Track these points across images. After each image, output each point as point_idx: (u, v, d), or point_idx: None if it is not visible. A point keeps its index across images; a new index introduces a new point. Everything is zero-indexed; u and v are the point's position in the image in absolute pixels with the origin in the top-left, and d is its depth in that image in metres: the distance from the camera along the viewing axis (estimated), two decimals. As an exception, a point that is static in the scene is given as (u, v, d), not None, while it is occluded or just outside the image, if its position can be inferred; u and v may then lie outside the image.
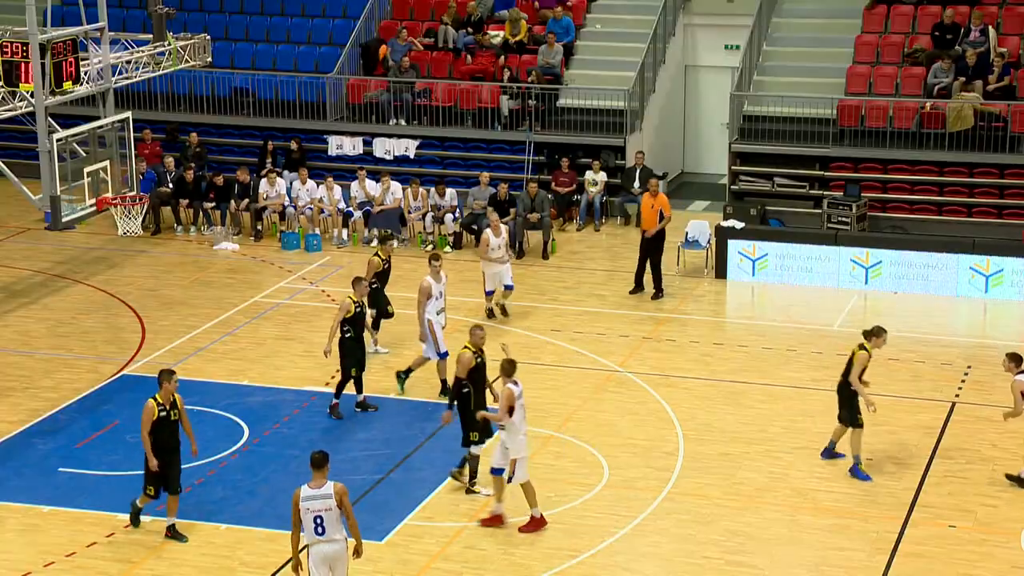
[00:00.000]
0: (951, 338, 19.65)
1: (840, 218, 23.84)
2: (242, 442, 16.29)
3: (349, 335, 16.82)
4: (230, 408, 17.23)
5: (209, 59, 25.77)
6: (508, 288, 20.20)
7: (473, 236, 24.17)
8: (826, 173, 24.89)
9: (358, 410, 17.10)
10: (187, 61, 25.10)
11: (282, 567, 13.55)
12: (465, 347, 15.02)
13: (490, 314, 20.24)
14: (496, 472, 14.19)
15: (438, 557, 13.75)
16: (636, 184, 25.32)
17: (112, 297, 21.74)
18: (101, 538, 14.12)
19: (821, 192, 24.73)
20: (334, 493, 11.74)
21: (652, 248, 21.29)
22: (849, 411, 15.32)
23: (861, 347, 15.19)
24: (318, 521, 11.73)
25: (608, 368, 18.63)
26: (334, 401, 17.04)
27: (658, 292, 21.35)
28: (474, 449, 14.98)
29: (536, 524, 14.17)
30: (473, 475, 15.04)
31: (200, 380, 18.01)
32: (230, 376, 18.29)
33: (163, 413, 13.83)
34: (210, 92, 27.72)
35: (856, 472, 15.24)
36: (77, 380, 18.04)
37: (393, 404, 17.36)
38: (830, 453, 15.71)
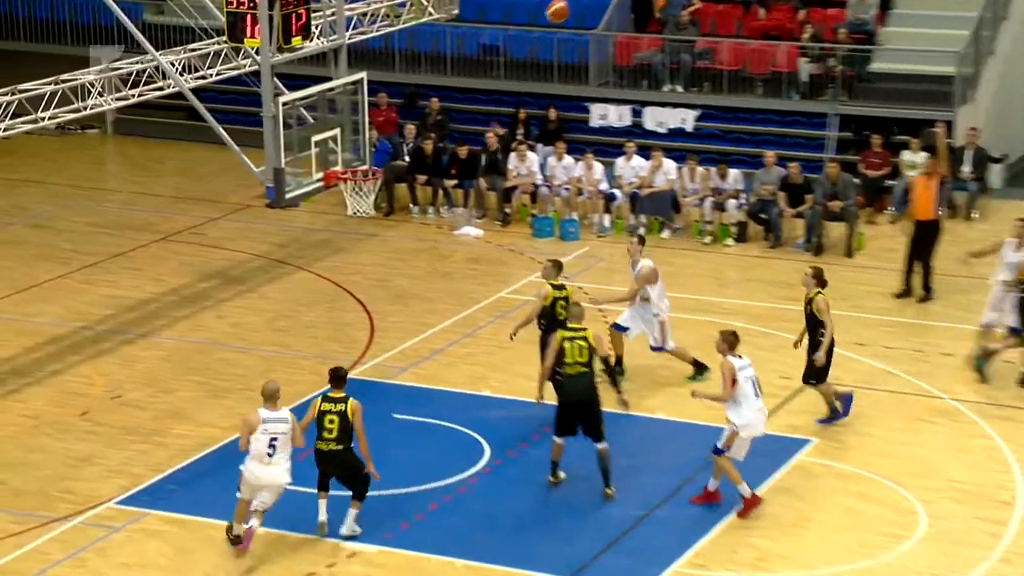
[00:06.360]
0: None
1: None
2: (482, 463, 16.34)
3: (545, 326, 17.03)
4: (469, 423, 17.30)
5: (455, 11, 26.06)
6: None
7: (761, 226, 23.74)
8: None
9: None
10: (430, 14, 25.44)
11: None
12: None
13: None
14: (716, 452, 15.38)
15: (712, 614, 13.45)
16: (967, 168, 24.44)
17: (338, 287, 22.20)
18: (321, 567, 14.34)
19: None
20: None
21: (927, 242, 20.97)
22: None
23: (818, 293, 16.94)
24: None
25: (927, 393, 18.04)
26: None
27: (927, 294, 21.10)
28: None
29: (749, 504, 15.12)
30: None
31: (435, 388, 18.17)
32: (470, 385, 18.37)
33: None
34: (455, 50, 28.04)
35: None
36: (298, 382, 18.39)
37: (658, 424, 17.15)
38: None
